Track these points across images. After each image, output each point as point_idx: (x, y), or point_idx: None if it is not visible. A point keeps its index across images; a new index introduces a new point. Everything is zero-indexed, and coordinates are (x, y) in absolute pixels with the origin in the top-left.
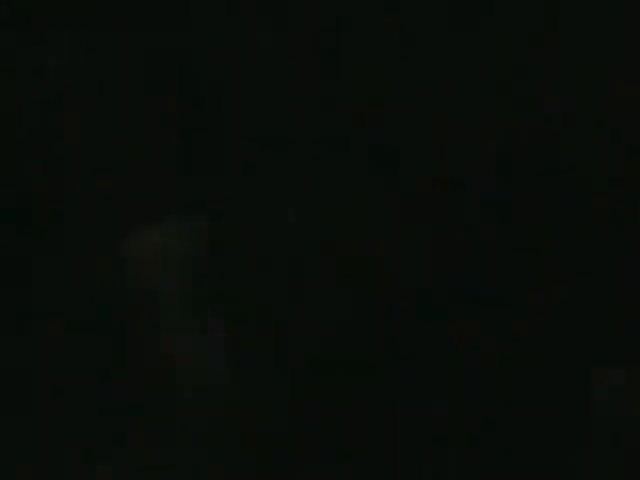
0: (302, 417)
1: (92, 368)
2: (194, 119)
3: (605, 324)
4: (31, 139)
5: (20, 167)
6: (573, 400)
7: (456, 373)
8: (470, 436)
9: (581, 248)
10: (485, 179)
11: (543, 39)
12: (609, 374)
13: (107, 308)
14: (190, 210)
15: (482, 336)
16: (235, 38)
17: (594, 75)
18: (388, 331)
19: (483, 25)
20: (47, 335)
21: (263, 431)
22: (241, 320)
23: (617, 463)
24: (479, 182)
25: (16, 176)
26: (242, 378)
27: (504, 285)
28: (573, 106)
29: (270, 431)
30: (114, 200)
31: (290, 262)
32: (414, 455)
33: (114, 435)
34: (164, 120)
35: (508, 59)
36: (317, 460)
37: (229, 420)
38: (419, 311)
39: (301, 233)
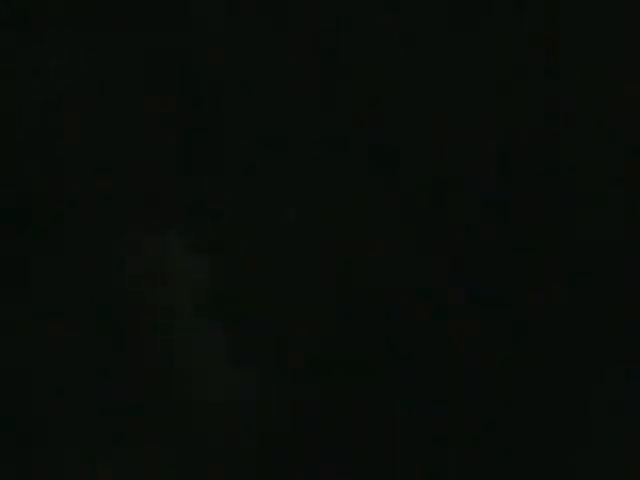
0: (302, 417)
1: (92, 369)
2: (194, 119)
3: (605, 324)
4: (31, 139)
5: (20, 167)
6: (573, 400)
7: (456, 373)
8: (470, 436)
9: (581, 248)
10: (485, 179)
11: (543, 39)
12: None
13: (107, 309)
14: (191, 211)
15: (482, 336)
16: (235, 38)
17: (595, 75)
18: (388, 331)
19: (483, 25)
20: (47, 335)
21: (264, 431)
22: (242, 324)
23: (617, 463)
24: (479, 182)
25: (16, 176)
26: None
27: (504, 285)
28: (573, 106)
29: (270, 432)
30: (113, 200)
31: (291, 263)
32: (414, 455)
33: (118, 439)
34: (164, 120)
35: (508, 59)
36: (317, 460)
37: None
38: (419, 311)
39: (301, 233)
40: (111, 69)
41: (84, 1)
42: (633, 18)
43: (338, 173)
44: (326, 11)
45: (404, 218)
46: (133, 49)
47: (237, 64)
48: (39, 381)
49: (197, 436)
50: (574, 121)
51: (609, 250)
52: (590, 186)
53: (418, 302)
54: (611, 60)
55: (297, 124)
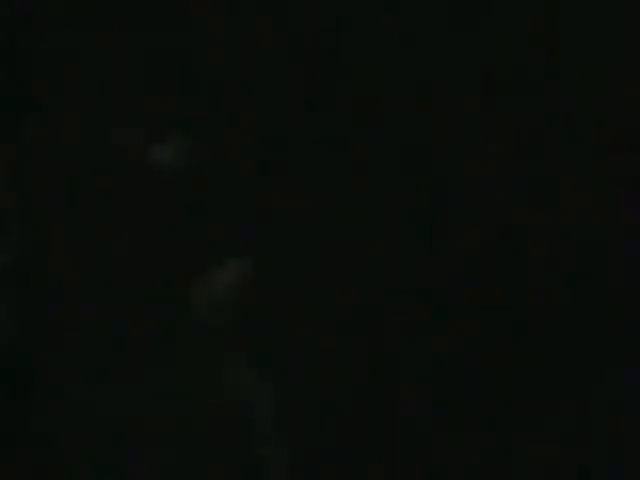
0: (302, 417)
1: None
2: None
3: (605, 324)
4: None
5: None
6: (573, 400)
7: (456, 373)
8: (470, 436)
9: (581, 248)
10: (485, 179)
11: (543, 39)
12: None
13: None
14: None
15: (482, 336)
16: (235, 38)
17: (595, 75)
18: (388, 331)
19: (483, 25)
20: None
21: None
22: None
23: (617, 463)
24: (479, 182)
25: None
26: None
27: (504, 285)
28: (573, 106)
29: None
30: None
31: (290, 263)
32: (414, 455)
33: None
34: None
35: (508, 59)
36: (317, 460)
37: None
38: (419, 312)
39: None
40: (111, 69)
41: (84, 1)
42: (633, 18)
43: (338, 173)
44: (326, 11)
45: (404, 218)
46: (133, 49)
47: (237, 64)
48: (39, 380)
49: (197, 436)
50: (574, 121)
51: (609, 250)
52: (589, 185)
53: (418, 302)
54: (611, 60)
55: (297, 124)
